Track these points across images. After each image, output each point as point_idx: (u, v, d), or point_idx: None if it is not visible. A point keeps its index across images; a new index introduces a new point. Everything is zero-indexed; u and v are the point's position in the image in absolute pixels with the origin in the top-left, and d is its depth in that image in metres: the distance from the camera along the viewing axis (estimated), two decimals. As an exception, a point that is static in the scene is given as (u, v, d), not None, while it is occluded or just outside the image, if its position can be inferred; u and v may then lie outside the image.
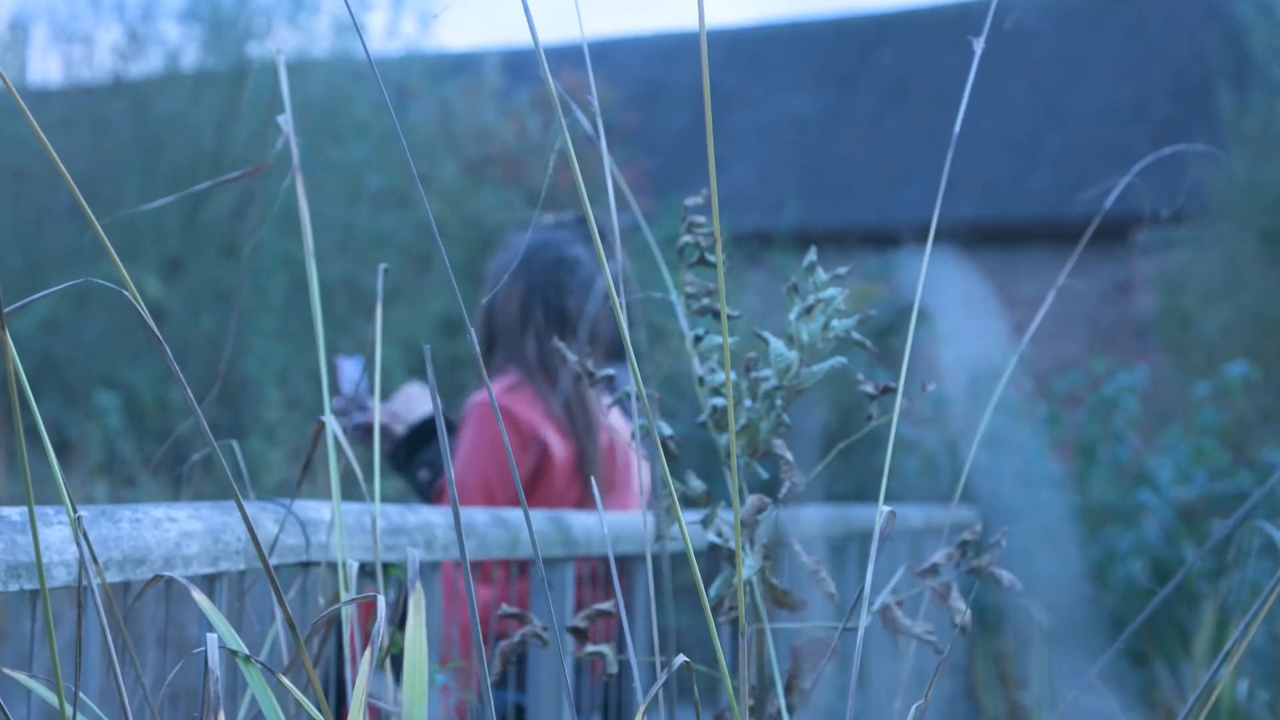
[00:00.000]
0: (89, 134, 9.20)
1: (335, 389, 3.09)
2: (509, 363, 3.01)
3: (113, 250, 1.09)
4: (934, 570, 1.62)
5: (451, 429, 3.10)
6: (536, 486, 2.93)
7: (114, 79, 9.64)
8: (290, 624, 1.06)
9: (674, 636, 1.86)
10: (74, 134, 9.14)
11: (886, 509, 1.33)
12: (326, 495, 1.66)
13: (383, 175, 9.08)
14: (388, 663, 1.64)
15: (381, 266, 1.66)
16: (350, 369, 3.14)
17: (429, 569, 2.05)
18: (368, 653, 1.13)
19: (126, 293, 1.11)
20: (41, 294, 1.07)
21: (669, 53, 13.06)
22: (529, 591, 2.35)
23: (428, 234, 9.17)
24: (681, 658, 1.12)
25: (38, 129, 1.02)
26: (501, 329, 3.03)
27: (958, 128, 1.47)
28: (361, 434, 3.14)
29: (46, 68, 10.60)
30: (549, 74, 1.13)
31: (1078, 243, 1.79)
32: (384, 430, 3.15)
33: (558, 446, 2.92)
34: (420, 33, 10.34)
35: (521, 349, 3.00)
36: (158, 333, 1.00)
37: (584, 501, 2.95)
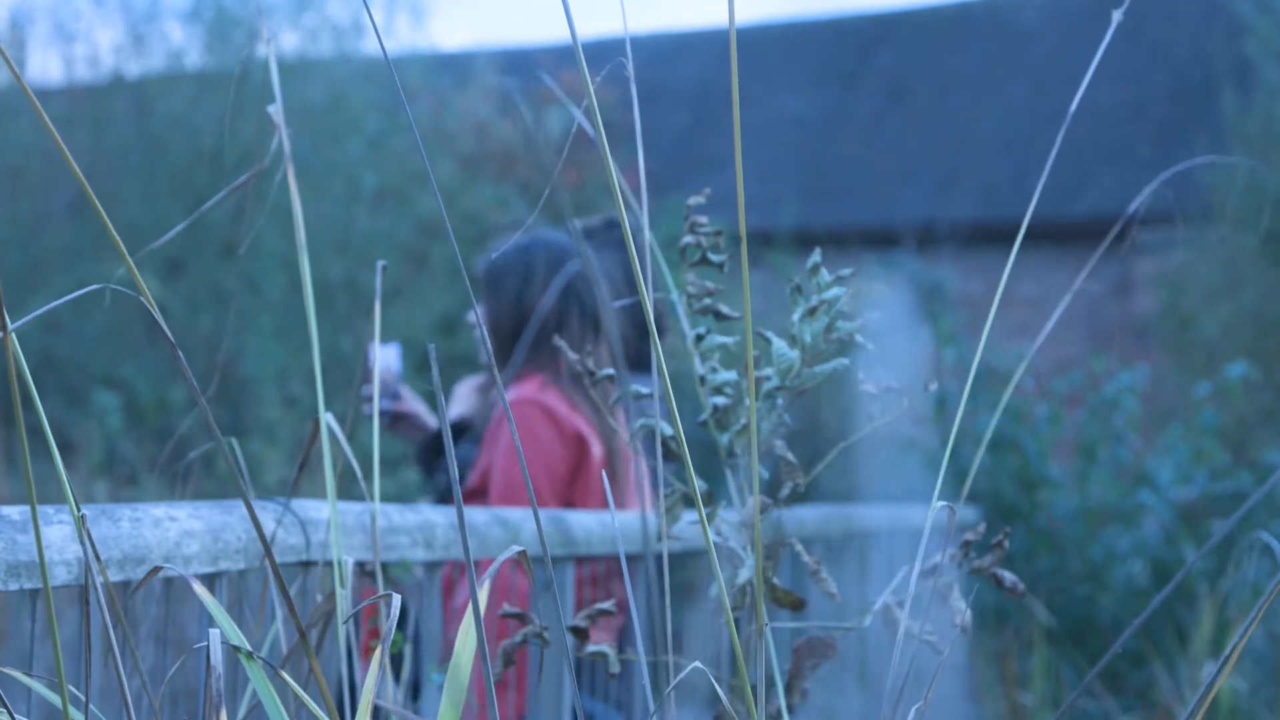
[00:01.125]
0: (90, 133, 9.21)
1: (366, 374, 3.08)
2: (529, 363, 3.00)
3: (124, 250, 1.09)
4: (935, 570, 1.62)
5: (460, 432, 3.09)
6: (575, 484, 2.92)
7: (115, 78, 9.64)
8: (293, 613, 1.06)
9: (671, 636, 1.86)
10: (75, 133, 9.14)
11: (941, 504, 1.30)
12: (326, 493, 1.66)
13: (380, 174, 9.09)
14: (387, 662, 1.63)
15: (380, 263, 1.66)
16: (384, 355, 3.13)
17: (429, 568, 2.05)
18: (379, 651, 1.12)
19: (141, 297, 1.11)
20: (53, 304, 1.07)
21: (669, 53, 13.06)
22: (530, 592, 2.35)
23: (426, 232, 9.17)
24: (696, 663, 1.11)
25: (49, 124, 1.02)
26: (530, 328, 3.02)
27: (1074, 108, 1.45)
28: (389, 420, 3.13)
29: (47, 66, 10.62)
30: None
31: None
32: (416, 421, 3.15)
33: (595, 444, 2.92)
34: (416, 32, 10.35)
35: (554, 349, 2.99)
36: (170, 335, 1.00)
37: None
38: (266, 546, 1.02)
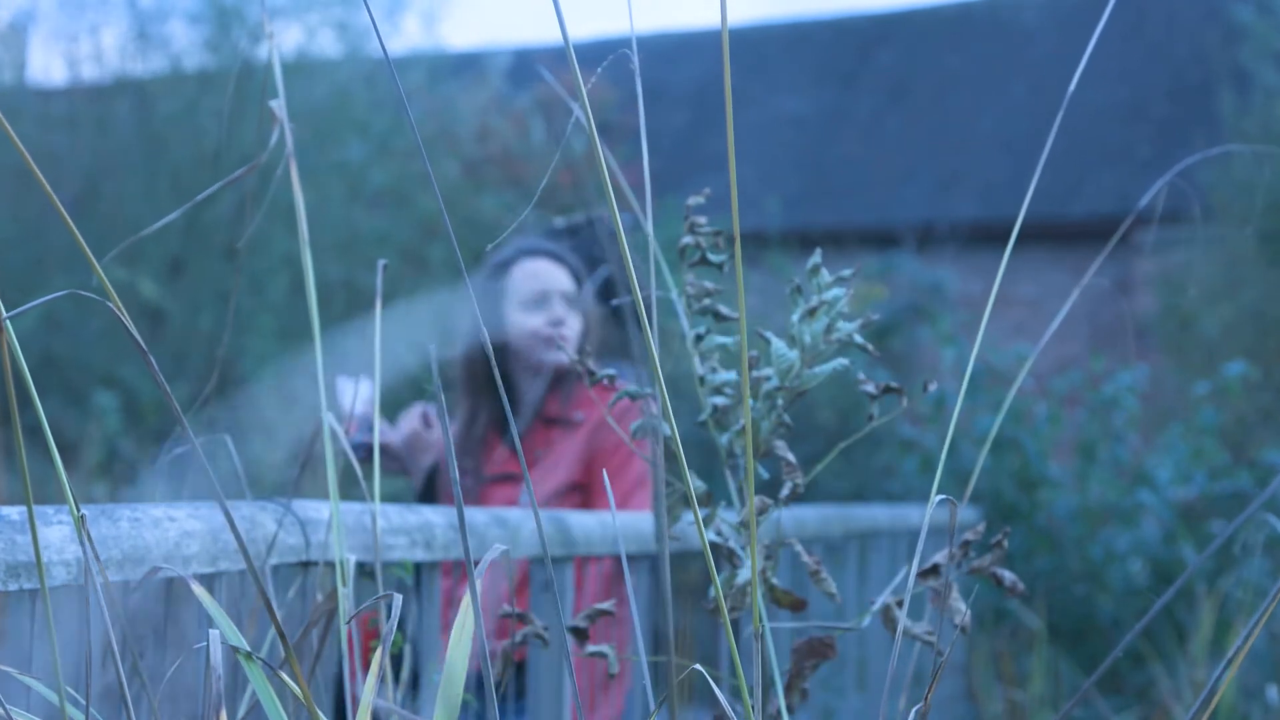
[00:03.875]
0: (92, 133, 9.21)
1: (335, 409, 3.03)
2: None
3: (92, 256, 1.09)
4: (935, 570, 1.62)
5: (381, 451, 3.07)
6: None
7: (118, 78, 9.65)
8: (272, 616, 1.06)
9: (668, 636, 1.86)
10: (77, 132, 9.14)
11: (940, 497, 1.29)
12: (326, 494, 1.66)
13: (381, 175, 9.08)
14: (386, 663, 1.63)
15: (380, 262, 1.66)
16: (362, 390, 3.08)
17: (428, 569, 2.05)
18: (380, 651, 1.12)
19: (110, 304, 1.11)
20: (32, 304, 1.06)
21: (668, 53, 13.05)
22: (529, 592, 2.35)
23: (426, 234, 9.17)
24: (696, 666, 1.11)
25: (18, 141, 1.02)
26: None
27: (1065, 105, 1.46)
28: (365, 453, 3.11)
29: (50, 66, 10.61)
30: (567, 76, 1.13)
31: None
32: (393, 452, 3.11)
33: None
34: (425, 32, 10.34)
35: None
36: (140, 340, 1.00)
37: None
38: (243, 548, 1.02)
